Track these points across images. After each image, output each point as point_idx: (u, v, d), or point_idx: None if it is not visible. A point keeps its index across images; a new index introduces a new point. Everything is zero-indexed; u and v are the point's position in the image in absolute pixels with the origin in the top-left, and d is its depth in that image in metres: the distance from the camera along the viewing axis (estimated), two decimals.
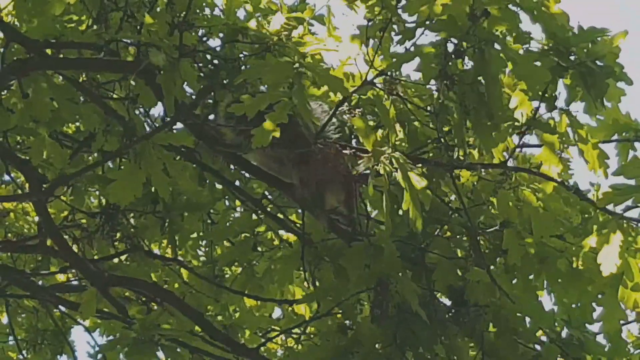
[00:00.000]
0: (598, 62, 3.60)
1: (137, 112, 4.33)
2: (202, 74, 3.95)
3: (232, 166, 4.38)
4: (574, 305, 3.88)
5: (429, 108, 3.93)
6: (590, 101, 3.61)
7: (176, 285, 4.84)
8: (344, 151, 3.85)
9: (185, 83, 3.72)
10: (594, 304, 3.86)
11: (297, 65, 3.55)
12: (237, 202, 4.71)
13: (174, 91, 3.65)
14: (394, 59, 3.64)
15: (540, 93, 3.62)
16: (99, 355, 4.21)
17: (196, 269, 4.76)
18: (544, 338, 3.88)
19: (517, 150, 3.89)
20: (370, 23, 3.81)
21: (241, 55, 4.04)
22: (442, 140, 3.82)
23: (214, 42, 4.10)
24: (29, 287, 4.91)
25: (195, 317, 4.14)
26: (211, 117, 4.03)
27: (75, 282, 5.08)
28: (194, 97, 3.91)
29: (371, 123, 4.10)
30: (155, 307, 4.45)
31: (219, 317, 4.70)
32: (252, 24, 4.03)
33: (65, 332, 5.36)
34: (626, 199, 3.57)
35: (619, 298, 3.72)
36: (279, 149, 3.85)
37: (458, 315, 3.87)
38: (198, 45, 3.90)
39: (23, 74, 4.01)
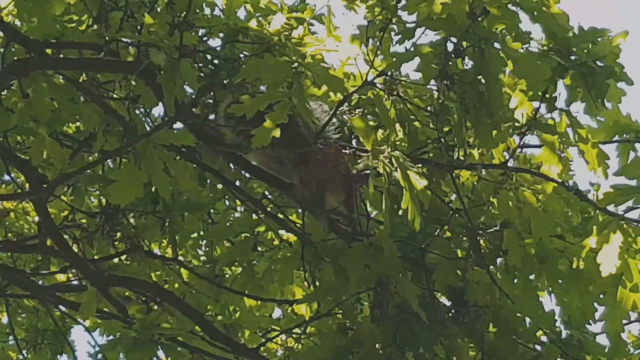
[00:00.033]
0: (598, 63, 3.60)
1: (137, 112, 4.33)
2: (202, 74, 3.95)
3: (232, 166, 4.38)
4: (575, 306, 3.88)
5: (429, 108, 3.93)
6: (591, 101, 3.61)
7: (176, 285, 4.84)
8: (344, 151, 3.85)
9: (186, 83, 3.72)
10: (595, 304, 3.86)
11: (295, 65, 3.54)
12: (237, 202, 4.71)
13: (174, 91, 3.65)
14: (394, 59, 3.63)
15: (540, 93, 3.62)
16: (99, 355, 4.21)
17: (196, 269, 4.76)
18: (544, 338, 3.88)
19: (518, 150, 3.89)
20: (370, 23, 3.81)
21: (241, 55, 4.03)
22: (442, 140, 3.82)
23: (214, 42, 4.10)
24: (29, 287, 4.91)
25: (195, 317, 4.15)
26: (211, 117, 4.03)
27: (75, 282, 5.08)
28: (194, 96, 3.92)
29: (371, 123, 4.10)
30: (155, 307, 4.45)
31: (219, 317, 4.70)
32: (253, 24, 4.02)
33: (65, 332, 5.36)
34: (627, 200, 3.56)
35: (618, 299, 3.71)
36: (279, 149, 3.85)
37: (458, 315, 3.88)
38: (198, 45, 3.89)
39: (23, 73, 4.01)
